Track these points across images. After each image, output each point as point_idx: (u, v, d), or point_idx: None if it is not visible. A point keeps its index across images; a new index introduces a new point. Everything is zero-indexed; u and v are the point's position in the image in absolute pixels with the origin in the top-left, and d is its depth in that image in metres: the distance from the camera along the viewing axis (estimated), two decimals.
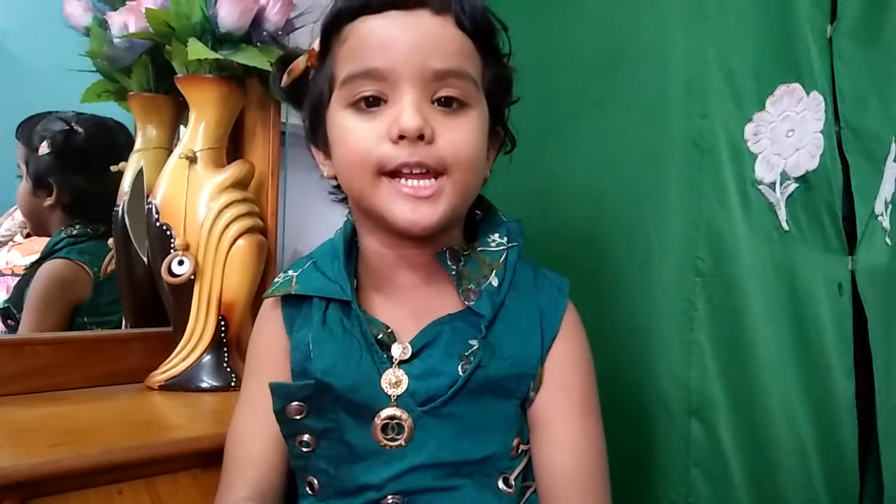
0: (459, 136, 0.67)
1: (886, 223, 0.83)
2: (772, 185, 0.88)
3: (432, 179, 0.67)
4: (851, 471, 0.83)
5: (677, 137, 0.95)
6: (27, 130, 1.26)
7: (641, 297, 0.98)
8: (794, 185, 0.86)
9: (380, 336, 0.70)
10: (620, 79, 1.02)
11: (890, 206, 0.85)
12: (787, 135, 0.87)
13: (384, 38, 0.67)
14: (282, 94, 0.77)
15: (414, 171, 0.66)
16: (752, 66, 0.90)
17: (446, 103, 0.68)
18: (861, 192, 0.84)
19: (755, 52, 0.90)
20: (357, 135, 0.68)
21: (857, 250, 0.83)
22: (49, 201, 1.26)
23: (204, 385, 1.02)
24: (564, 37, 1.08)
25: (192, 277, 1.01)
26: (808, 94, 0.86)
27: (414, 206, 0.66)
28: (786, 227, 0.87)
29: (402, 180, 0.67)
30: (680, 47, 0.96)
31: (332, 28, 0.71)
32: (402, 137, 0.65)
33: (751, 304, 0.89)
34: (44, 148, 1.23)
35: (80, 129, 1.25)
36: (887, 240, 0.83)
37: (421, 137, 0.65)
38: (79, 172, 1.25)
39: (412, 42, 0.66)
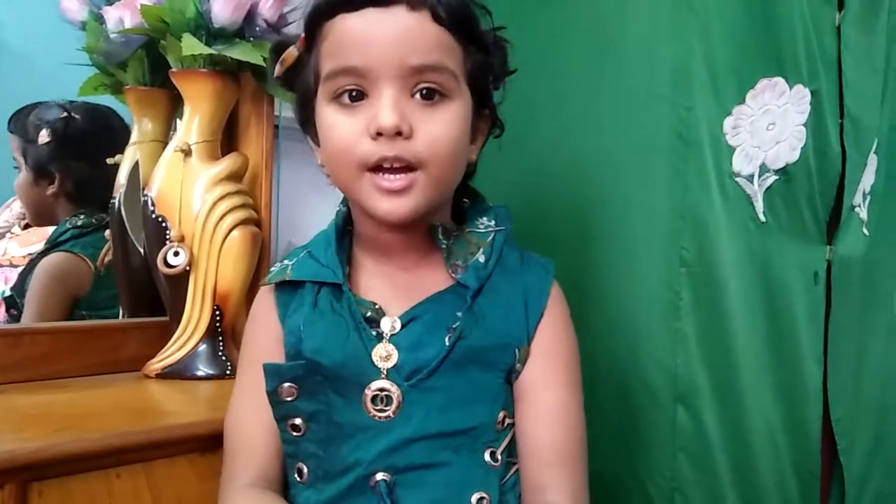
0: (438, 128, 0.69)
1: (864, 214, 0.84)
2: (749, 178, 0.89)
3: (407, 173, 0.68)
4: (815, 453, 0.85)
5: (663, 129, 0.96)
6: (21, 121, 1.25)
7: (628, 286, 1.00)
8: (773, 178, 0.88)
9: (368, 314, 0.72)
10: (608, 69, 1.02)
11: (868, 197, 0.86)
12: (768, 128, 0.88)
13: (361, 36, 0.68)
14: (277, 82, 0.78)
15: (393, 165, 0.68)
16: (735, 59, 0.91)
17: (427, 96, 0.69)
18: (849, 183, 0.85)
19: (738, 45, 0.91)
20: (340, 130, 0.69)
21: (834, 240, 0.85)
22: (52, 190, 1.25)
23: (200, 373, 1.03)
24: (553, 28, 1.08)
25: (188, 268, 1.03)
26: (791, 87, 0.87)
27: (389, 198, 0.68)
28: (762, 218, 0.88)
29: (381, 174, 0.68)
30: (667, 39, 0.97)
31: (313, 25, 0.72)
32: (380, 134, 0.67)
33: (730, 294, 0.91)
34: (43, 136, 1.22)
35: (76, 116, 1.25)
36: (864, 230, 0.84)
37: (399, 133, 0.67)
38: (80, 158, 1.24)
39: (389, 39, 0.67)
